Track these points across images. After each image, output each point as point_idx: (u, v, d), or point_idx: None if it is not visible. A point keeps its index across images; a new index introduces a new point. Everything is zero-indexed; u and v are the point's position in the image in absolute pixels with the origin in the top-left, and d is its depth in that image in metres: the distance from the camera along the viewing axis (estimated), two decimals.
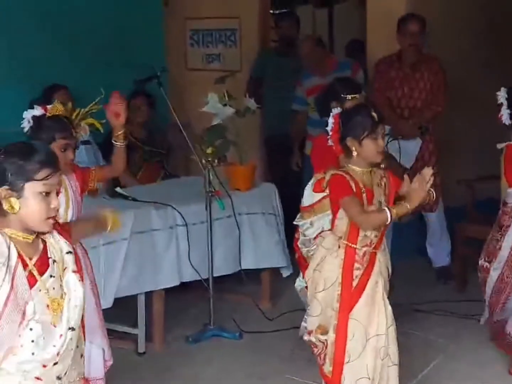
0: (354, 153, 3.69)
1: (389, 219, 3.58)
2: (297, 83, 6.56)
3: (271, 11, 8.19)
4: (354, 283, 3.72)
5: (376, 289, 3.76)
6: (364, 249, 3.73)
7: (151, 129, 6.57)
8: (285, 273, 5.62)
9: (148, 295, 4.99)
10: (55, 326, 2.61)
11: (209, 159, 5.05)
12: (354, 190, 3.64)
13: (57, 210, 2.66)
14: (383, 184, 3.76)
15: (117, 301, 4.81)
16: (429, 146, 6.14)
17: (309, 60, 6.52)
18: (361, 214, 3.61)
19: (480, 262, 4.60)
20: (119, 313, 4.83)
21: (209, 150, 5.09)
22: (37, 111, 3.82)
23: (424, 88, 6.11)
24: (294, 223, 4.47)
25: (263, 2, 7.60)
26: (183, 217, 5.00)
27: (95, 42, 6.82)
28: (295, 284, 4.71)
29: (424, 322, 5.34)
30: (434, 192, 3.76)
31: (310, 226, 4.34)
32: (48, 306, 2.60)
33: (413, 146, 6.02)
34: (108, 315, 4.29)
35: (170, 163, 6.71)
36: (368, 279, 3.74)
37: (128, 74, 5.96)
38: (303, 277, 4.35)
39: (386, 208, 3.60)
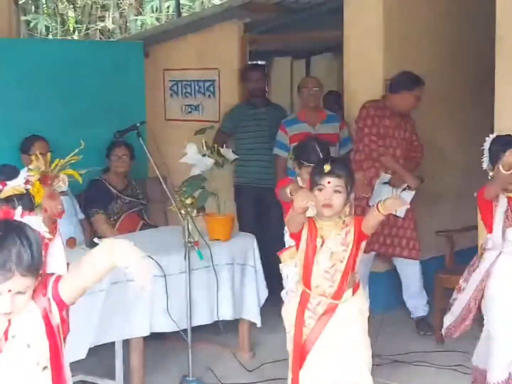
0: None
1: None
2: (280, 128, 6.58)
3: (249, 63, 8.28)
4: (306, 331, 3.71)
5: (332, 339, 3.73)
6: (320, 298, 3.73)
7: (130, 180, 6.59)
8: (259, 323, 5.60)
9: (125, 347, 4.95)
10: None
11: (188, 209, 5.06)
12: (306, 236, 3.72)
13: None
14: (343, 234, 3.76)
15: (94, 351, 4.76)
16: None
17: (313, 100, 6.57)
18: None
19: (460, 281, 4.63)
20: (96, 364, 4.79)
21: (188, 201, 5.10)
22: None
23: (410, 138, 6.19)
24: (280, 265, 4.47)
25: (242, 53, 7.68)
26: (161, 267, 4.98)
27: (76, 94, 6.84)
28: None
29: (402, 373, 5.31)
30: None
31: (295, 267, 4.35)
32: None
33: (408, 197, 5.93)
34: (85, 366, 4.24)
35: (149, 214, 6.72)
36: (320, 332, 3.72)
37: (109, 126, 5.99)
38: None
39: None
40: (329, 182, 3.72)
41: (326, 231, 3.75)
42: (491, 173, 4.39)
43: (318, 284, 3.72)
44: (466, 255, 5.16)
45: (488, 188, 4.36)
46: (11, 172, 3.37)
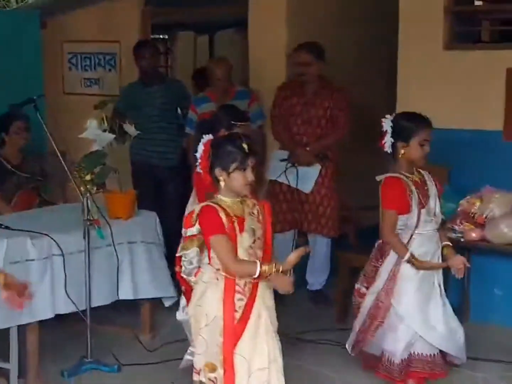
0: (222, 183, 3.65)
1: (256, 275, 3.58)
2: (191, 107, 6.47)
3: (152, 36, 8.13)
4: (237, 315, 3.66)
5: (260, 321, 3.70)
6: (245, 278, 3.67)
7: (26, 155, 6.36)
8: (167, 303, 5.50)
9: (22, 328, 4.78)
10: None
11: (88, 186, 4.90)
12: (225, 221, 3.60)
13: None
14: (255, 212, 3.73)
15: None
16: (329, 172, 6.20)
17: (221, 84, 6.41)
18: (232, 262, 3.60)
19: (356, 286, 4.62)
20: None
21: (88, 177, 4.93)
22: None
23: (324, 115, 6.16)
24: (178, 254, 4.37)
25: (144, 27, 7.53)
26: (59, 247, 4.82)
27: None
28: (177, 317, 4.63)
29: (306, 352, 5.30)
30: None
31: (198, 253, 4.25)
32: None
33: (312, 172, 6.10)
34: None
35: (47, 191, 6.50)
36: (251, 311, 3.68)
37: (2, 99, 5.75)
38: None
39: (258, 263, 3.59)
40: (251, 162, 3.65)
41: (237, 210, 3.67)
42: (403, 151, 4.37)
43: None
44: (368, 234, 5.19)
45: (383, 226, 4.43)
46: None
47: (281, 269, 3.60)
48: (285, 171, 6.15)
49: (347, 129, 6.17)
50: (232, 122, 4.66)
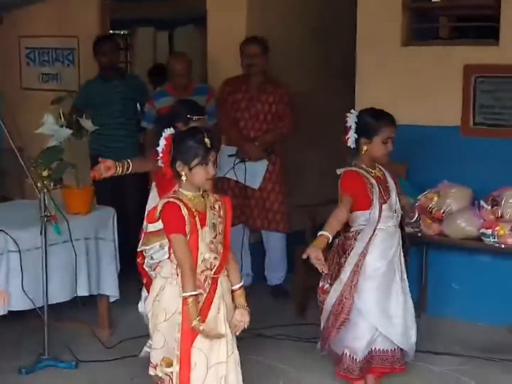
0: (184, 178, 3.64)
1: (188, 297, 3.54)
2: (149, 102, 6.42)
3: (111, 32, 8.07)
4: None
5: (218, 315, 3.69)
6: (205, 273, 3.66)
7: None
8: (112, 298, 5.48)
9: None
10: None
11: (45, 182, 4.85)
12: (187, 215, 3.60)
13: None
14: (217, 207, 3.72)
15: None
16: (276, 167, 6.21)
17: (181, 79, 6.35)
18: (185, 267, 3.57)
19: (320, 283, 4.61)
20: None
21: (45, 173, 4.90)
22: None
23: (270, 110, 6.20)
24: (139, 249, 4.36)
25: (102, 22, 7.48)
26: (15, 242, 4.76)
27: None
28: (139, 308, 4.61)
29: (266, 347, 5.30)
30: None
31: (160, 248, 4.25)
32: None
33: (260, 167, 6.11)
34: None
35: (4, 187, 6.44)
36: (210, 305, 3.67)
37: None
38: None
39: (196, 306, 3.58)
40: (212, 156, 3.63)
41: (198, 204, 3.66)
42: (365, 147, 4.38)
43: (205, 258, 3.64)
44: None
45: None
46: None
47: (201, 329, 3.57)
48: (233, 167, 6.16)
49: (293, 124, 6.22)
50: (189, 116, 4.65)
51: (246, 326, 3.76)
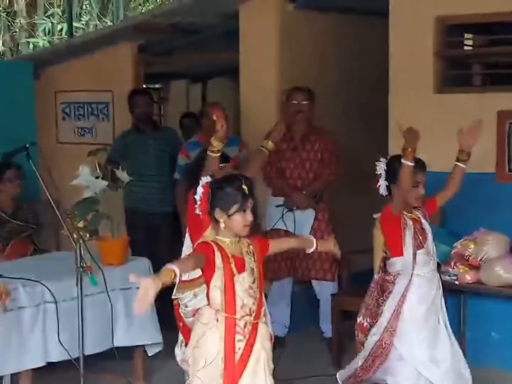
0: (222, 225, 3.64)
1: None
2: (182, 152, 6.44)
3: (144, 86, 8.18)
4: (237, 357, 3.62)
5: (259, 363, 3.66)
6: (244, 319, 3.64)
7: (20, 203, 6.35)
8: (151, 352, 5.45)
9: (15, 376, 4.72)
10: None
11: (81, 233, 4.88)
12: (220, 262, 3.59)
13: None
14: (251, 251, 3.71)
15: None
16: (324, 215, 6.19)
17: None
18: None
19: (358, 319, 4.58)
20: None
21: (80, 224, 4.92)
22: None
23: (315, 158, 6.20)
24: (173, 297, 4.36)
25: (137, 76, 7.58)
26: (52, 294, 4.78)
27: None
28: (175, 352, 4.59)
29: None
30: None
31: (193, 297, 4.25)
32: None
33: (308, 216, 6.06)
34: None
35: (40, 239, 6.48)
36: (251, 352, 3.64)
37: None
38: (185, 346, 4.23)
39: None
40: (250, 203, 3.64)
41: (235, 250, 3.66)
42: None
43: (244, 303, 3.63)
44: (359, 277, 5.16)
45: (394, 203, 4.36)
46: None
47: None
48: (282, 217, 6.13)
49: (339, 170, 6.20)
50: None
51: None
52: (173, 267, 3.34)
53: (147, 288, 3.26)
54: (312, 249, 3.93)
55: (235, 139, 6.55)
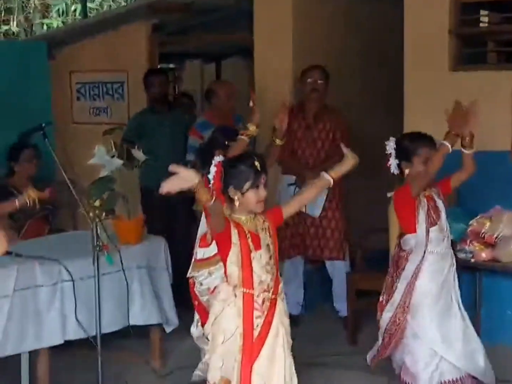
0: (237, 203, 3.65)
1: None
2: (193, 133, 6.44)
3: (159, 66, 8.18)
4: (255, 333, 3.64)
5: (277, 339, 3.68)
6: (263, 295, 3.66)
7: (36, 183, 6.36)
8: (168, 329, 5.47)
9: (33, 354, 4.77)
10: None
11: (97, 212, 4.90)
12: (237, 237, 3.61)
13: None
14: (266, 227, 3.73)
15: None
16: (336, 195, 6.18)
17: (229, 107, 6.42)
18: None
19: (380, 298, 4.61)
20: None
21: (97, 203, 4.94)
22: None
23: (327, 138, 6.19)
24: (188, 276, 4.39)
25: (151, 56, 7.58)
26: (69, 272, 4.81)
27: None
28: (191, 331, 4.61)
29: (318, 376, 5.25)
30: None
31: (208, 275, 4.27)
32: None
33: (319, 195, 6.05)
34: None
35: (56, 218, 6.52)
36: (269, 329, 3.66)
37: (11, 129, 5.79)
38: (201, 325, 4.26)
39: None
40: (263, 179, 3.66)
41: (251, 226, 3.68)
42: (407, 170, 4.39)
43: (262, 280, 3.65)
44: (374, 257, 5.17)
45: (415, 184, 4.36)
46: None
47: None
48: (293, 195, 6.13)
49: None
50: (227, 143, 4.67)
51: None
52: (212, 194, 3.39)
53: (186, 177, 3.38)
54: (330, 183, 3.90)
55: (238, 117, 6.56)
